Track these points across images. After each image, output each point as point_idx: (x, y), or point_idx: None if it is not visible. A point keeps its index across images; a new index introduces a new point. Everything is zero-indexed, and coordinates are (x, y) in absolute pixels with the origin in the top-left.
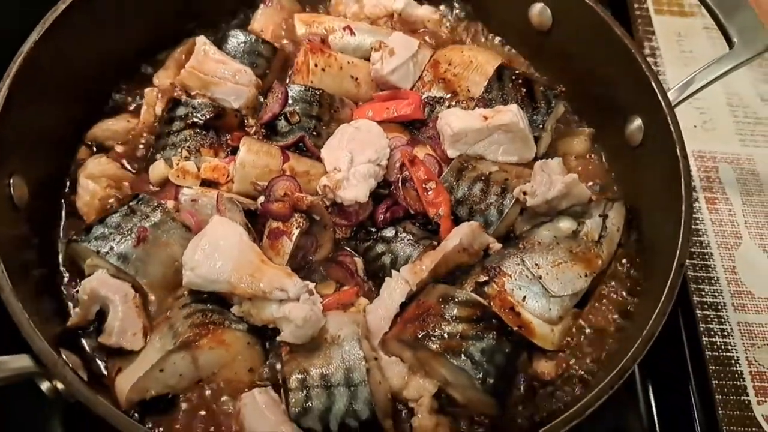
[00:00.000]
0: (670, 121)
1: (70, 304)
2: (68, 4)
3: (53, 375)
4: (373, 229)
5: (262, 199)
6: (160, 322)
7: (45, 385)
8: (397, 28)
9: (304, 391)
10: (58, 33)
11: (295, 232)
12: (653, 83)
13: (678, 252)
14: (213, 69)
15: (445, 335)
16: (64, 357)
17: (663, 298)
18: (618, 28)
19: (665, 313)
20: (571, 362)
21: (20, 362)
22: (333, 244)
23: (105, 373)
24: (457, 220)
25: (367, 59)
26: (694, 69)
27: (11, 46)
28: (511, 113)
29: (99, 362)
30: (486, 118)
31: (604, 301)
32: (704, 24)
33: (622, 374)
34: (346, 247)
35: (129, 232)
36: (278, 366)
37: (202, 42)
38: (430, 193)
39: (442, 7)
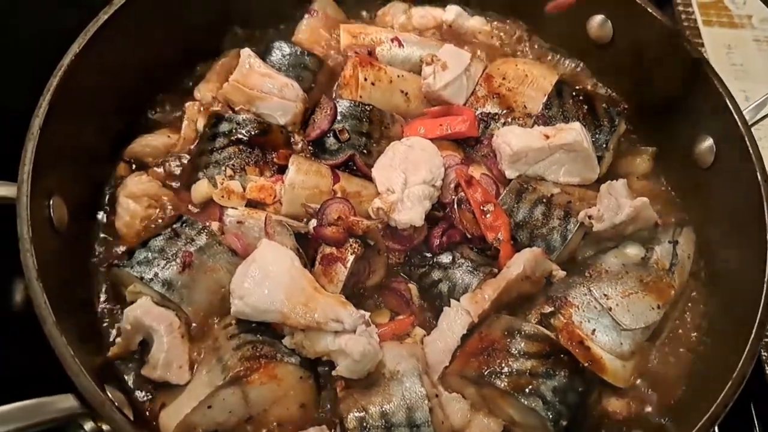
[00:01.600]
0: (748, 143)
1: (110, 333)
2: (110, 15)
3: (100, 416)
4: (428, 254)
5: (313, 222)
6: (207, 352)
7: (89, 426)
8: (445, 39)
9: None
10: (99, 45)
11: (350, 258)
12: (728, 101)
13: (765, 289)
14: (258, 83)
15: (514, 372)
16: (109, 395)
17: (747, 350)
18: (687, 41)
19: (745, 376)
20: (642, 402)
21: (65, 403)
22: (386, 270)
23: (147, 407)
24: (516, 245)
25: (416, 72)
26: (746, 83)
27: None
28: (575, 132)
29: (138, 393)
30: (547, 136)
31: (675, 334)
32: (754, 36)
33: None
34: (400, 273)
35: (174, 257)
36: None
37: (247, 54)
38: (488, 216)
39: (493, 18)
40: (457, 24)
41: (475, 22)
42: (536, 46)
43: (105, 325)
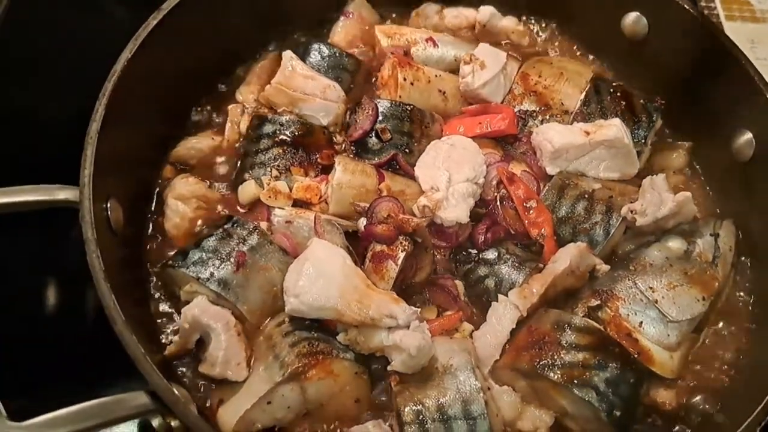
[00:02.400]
0: None
1: (164, 331)
2: (158, 20)
3: (170, 412)
4: (473, 251)
5: (363, 221)
6: (262, 349)
7: (157, 421)
8: (478, 39)
9: (421, 424)
10: (147, 50)
11: (401, 255)
12: (767, 94)
13: None
14: (301, 85)
15: (566, 364)
16: (177, 392)
17: None
18: (723, 36)
19: None
20: (691, 393)
21: (138, 400)
22: (432, 267)
23: (203, 403)
24: (559, 240)
25: (451, 72)
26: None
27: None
28: (616, 128)
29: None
30: (587, 133)
31: (720, 325)
32: None
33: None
34: (447, 269)
35: (227, 257)
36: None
37: (288, 57)
38: (531, 212)
39: (525, 17)
40: (491, 24)
41: (508, 22)
42: (566, 45)
43: (160, 324)
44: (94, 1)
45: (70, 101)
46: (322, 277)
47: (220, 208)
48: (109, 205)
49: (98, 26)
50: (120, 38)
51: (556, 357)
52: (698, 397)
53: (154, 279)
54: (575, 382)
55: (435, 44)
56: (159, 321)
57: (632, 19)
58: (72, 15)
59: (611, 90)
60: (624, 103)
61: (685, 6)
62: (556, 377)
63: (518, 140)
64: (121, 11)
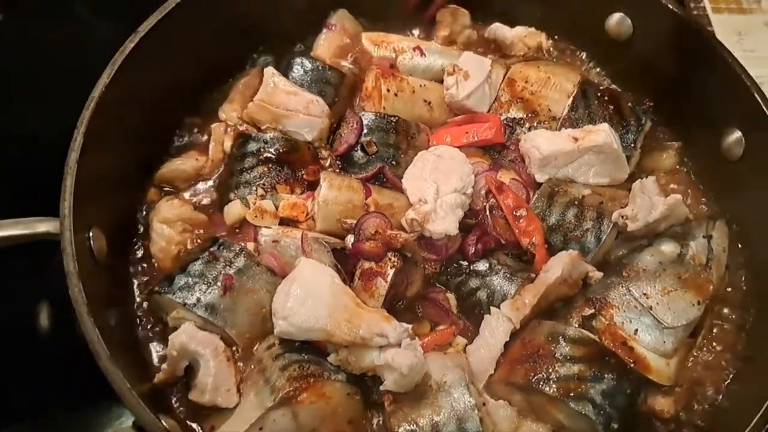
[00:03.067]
0: None
1: (153, 359)
2: (135, 43)
3: None
4: (464, 263)
5: (350, 238)
6: (252, 374)
7: None
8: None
9: None
10: (126, 74)
11: (390, 272)
12: (755, 93)
13: None
14: (284, 101)
15: (562, 377)
16: (165, 425)
17: None
18: (708, 33)
19: None
20: (689, 399)
21: None
22: (423, 281)
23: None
24: (550, 249)
25: (438, 81)
26: (760, 69)
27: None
28: (604, 133)
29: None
30: (576, 139)
31: (715, 330)
32: (764, 20)
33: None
34: (436, 283)
35: (214, 281)
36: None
37: (270, 73)
38: (521, 221)
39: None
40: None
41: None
42: (556, 50)
43: (147, 352)
44: (76, 17)
45: (52, 123)
46: (310, 297)
47: (204, 230)
48: (91, 234)
49: (81, 45)
50: (105, 57)
51: (551, 370)
52: (697, 404)
53: (142, 305)
54: (571, 395)
55: (422, 53)
56: (149, 348)
57: (616, 20)
58: (52, 33)
59: (599, 94)
60: (612, 107)
61: (669, 5)
62: (551, 391)
63: (506, 148)
64: (103, 28)
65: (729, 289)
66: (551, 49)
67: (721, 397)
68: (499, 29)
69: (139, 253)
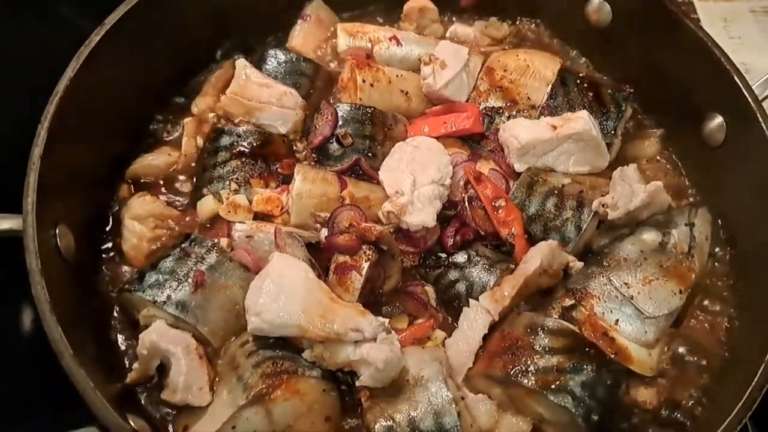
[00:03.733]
0: (760, 119)
1: (125, 358)
2: (101, 36)
3: None
4: (443, 255)
5: (324, 232)
6: (225, 371)
7: None
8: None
9: None
10: (92, 67)
11: (365, 265)
12: (736, 78)
13: None
14: (256, 93)
15: (540, 369)
16: (132, 424)
17: None
18: (688, 18)
19: None
20: (671, 390)
21: None
22: (401, 274)
23: (169, 431)
24: (530, 239)
25: (416, 71)
26: (745, 56)
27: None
28: (583, 120)
29: (158, 417)
30: (555, 127)
31: (700, 318)
32: (750, 7)
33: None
34: (415, 276)
35: (185, 278)
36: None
37: (242, 65)
38: (500, 211)
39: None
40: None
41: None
42: (536, 37)
43: (120, 350)
44: (47, 7)
45: (16, 122)
46: (283, 293)
47: (177, 226)
48: (57, 231)
49: (52, 35)
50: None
51: (529, 362)
52: (680, 393)
53: (113, 303)
54: (551, 387)
55: (399, 43)
56: (120, 347)
57: (595, 6)
58: (21, 23)
59: (578, 81)
60: (591, 94)
61: None
62: (530, 384)
63: (485, 138)
64: (80, 21)
65: (711, 279)
66: (528, 33)
67: (704, 389)
68: (459, 28)
69: (111, 251)
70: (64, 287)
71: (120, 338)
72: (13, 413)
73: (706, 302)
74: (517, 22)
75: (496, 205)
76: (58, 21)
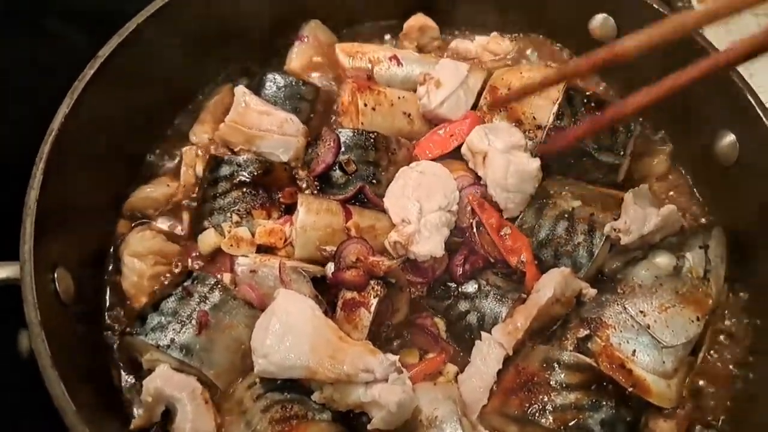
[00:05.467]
0: None
1: (131, 403)
2: (95, 70)
3: None
4: (452, 284)
5: (330, 266)
6: (233, 416)
7: None
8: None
9: None
10: (88, 102)
11: (374, 302)
12: (748, 95)
13: None
14: (256, 121)
15: (558, 407)
16: None
17: None
18: (697, 33)
19: None
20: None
21: None
22: (409, 306)
23: None
24: (541, 265)
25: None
26: (751, 64)
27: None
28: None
29: None
30: None
31: (717, 346)
32: (752, 10)
33: None
34: (425, 307)
35: (188, 319)
36: None
37: (241, 92)
38: (507, 239)
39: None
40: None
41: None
42: (539, 53)
43: (123, 395)
44: (48, 29)
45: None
46: (290, 332)
47: (178, 261)
48: (56, 275)
49: (53, 59)
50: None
51: (546, 400)
52: (699, 427)
53: (115, 347)
54: (569, 426)
55: (399, 62)
56: (124, 391)
57: (600, 22)
58: (22, 44)
59: (585, 100)
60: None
61: (654, 5)
62: (548, 423)
63: None
64: (81, 40)
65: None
66: (530, 52)
67: (724, 418)
68: (460, 44)
69: (112, 291)
70: (64, 336)
71: (123, 381)
72: None
73: (721, 325)
74: (520, 36)
75: (502, 233)
76: (45, 34)
